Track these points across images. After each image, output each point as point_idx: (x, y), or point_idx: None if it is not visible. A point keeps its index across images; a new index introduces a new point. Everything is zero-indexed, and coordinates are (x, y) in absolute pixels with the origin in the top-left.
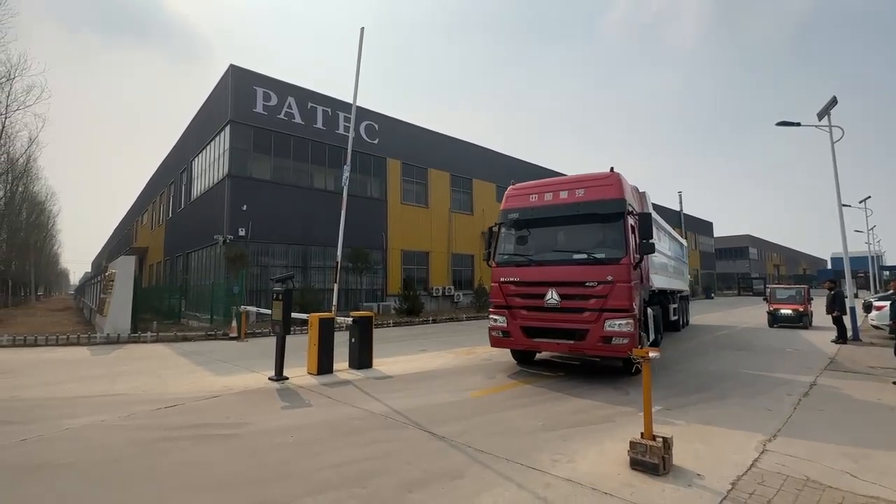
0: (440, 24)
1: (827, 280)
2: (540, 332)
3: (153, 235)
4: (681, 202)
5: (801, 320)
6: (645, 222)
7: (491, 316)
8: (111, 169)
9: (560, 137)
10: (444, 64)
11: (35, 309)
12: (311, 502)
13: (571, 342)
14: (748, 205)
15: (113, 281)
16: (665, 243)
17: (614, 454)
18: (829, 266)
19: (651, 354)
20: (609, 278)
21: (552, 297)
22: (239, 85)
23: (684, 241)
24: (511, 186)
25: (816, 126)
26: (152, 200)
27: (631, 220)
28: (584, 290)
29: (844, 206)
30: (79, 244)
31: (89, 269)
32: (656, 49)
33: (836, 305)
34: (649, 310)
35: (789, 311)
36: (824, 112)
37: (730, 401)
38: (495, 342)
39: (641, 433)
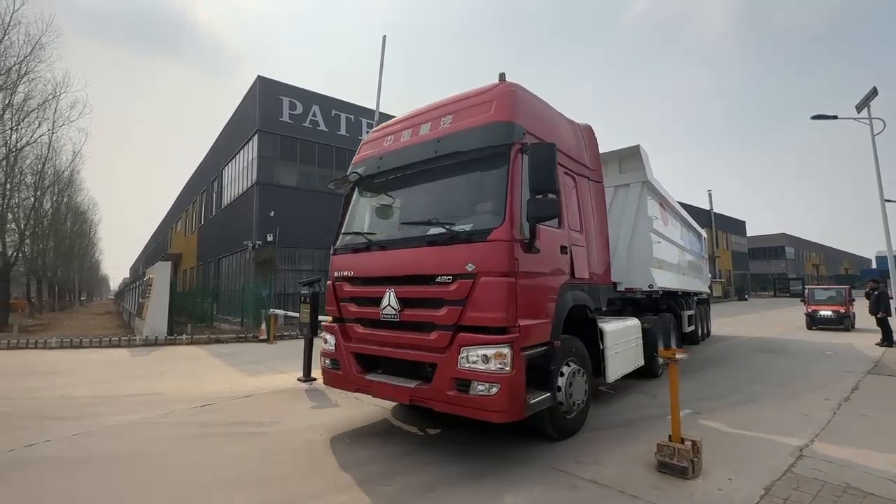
0: (458, 25)
1: (870, 280)
2: (377, 363)
3: (187, 242)
4: (710, 200)
5: (843, 322)
6: (542, 158)
7: (322, 333)
8: (148, 179)
9: None
10: (461, 64)
11: (79, 313)
12: (340, 498)
13: (412, 386)
14: (785, 203)
15: (151, 286)
16: (675, 230)
17: (640, 457)
18: (874, 265)
19: (678, 356)
20: (469, 268)
21: (389, 303)
22: (266, 95)
23: (703, 231)
24: (372, 130)
25: (855, 119)
26: (185, 208)
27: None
28: (432, 291)
29: (888, 201)
30: (117, 251)
31: (127, 275)
32: (680, 42)
33: (880, 306)
34: (609, 326)
35: (829, 313)
36: (864, 104)
37: (763, 404)
38: (326, 377)
39: (669, 436)
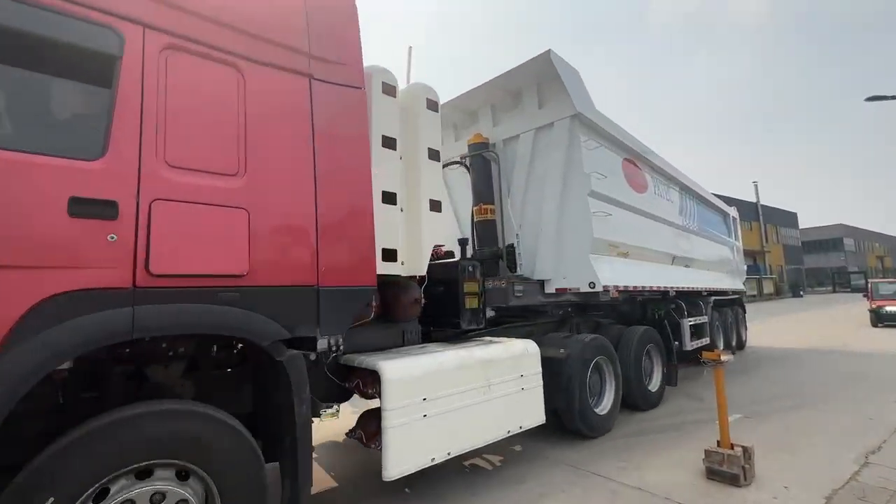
0: (480, 26)
1: None
2: None
3: None
4: (756, 192)
5: None
6: None
7: None
8: None
9: None
10: (488, 65)
11: None
12: (376, 500)
13: None
14: (842, 192)
15: None
16: (665, 201)
17: (686, 463)
18: None
19: (723, 358)
20: None
21: None
22: None
23: (732, 211)
24: None
25: None
26: None
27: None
28: None
29: None
30: None
31: None
32: (717, 30)
33: None
34: (397, 366)
35: None
36: None
37: (821, 408)
38: None
39: (718, 441)
